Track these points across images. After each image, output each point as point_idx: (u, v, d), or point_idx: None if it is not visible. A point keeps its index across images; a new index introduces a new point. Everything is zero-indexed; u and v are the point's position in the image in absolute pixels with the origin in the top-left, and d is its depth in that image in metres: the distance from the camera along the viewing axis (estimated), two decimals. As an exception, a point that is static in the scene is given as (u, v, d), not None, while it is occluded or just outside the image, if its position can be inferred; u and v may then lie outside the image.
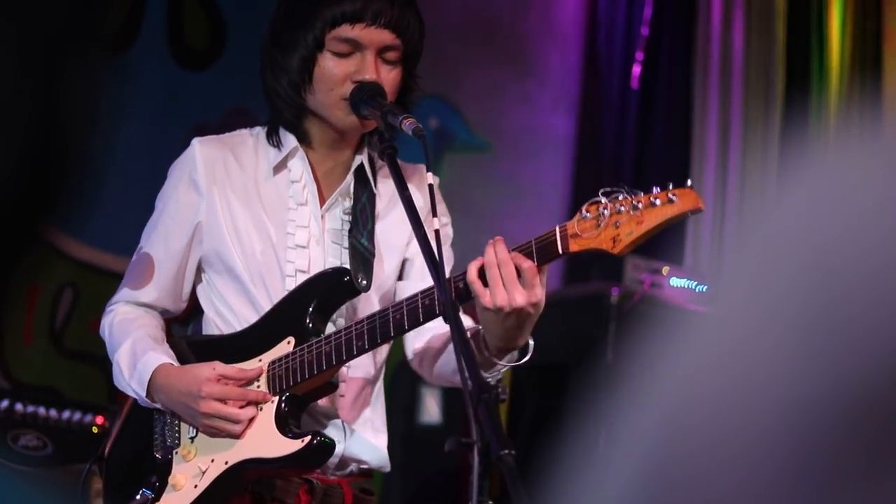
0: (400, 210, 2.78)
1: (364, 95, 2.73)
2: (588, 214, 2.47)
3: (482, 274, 2.50)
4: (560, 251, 2.48)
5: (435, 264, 2.40)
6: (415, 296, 2.63)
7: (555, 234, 2.49)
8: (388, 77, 2.78)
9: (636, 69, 6.74)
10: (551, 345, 5.54)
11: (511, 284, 2.46)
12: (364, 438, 2.89)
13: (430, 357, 2.87)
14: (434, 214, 2.43)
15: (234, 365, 2.81)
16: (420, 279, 2.89)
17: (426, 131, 2.64)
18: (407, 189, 2.56)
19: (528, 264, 2.47)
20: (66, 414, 4.97)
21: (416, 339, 2.88)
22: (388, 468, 2.95)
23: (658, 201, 2.41)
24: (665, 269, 5.62)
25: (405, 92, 2.86)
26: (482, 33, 6.53)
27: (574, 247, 2.47)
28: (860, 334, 0.72)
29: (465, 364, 2.18)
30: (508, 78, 6.61)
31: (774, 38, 6.71)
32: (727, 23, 6.71)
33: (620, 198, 2.45)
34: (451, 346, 2.70)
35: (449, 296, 2.38)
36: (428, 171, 2.51)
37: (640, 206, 2.42)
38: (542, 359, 5.94)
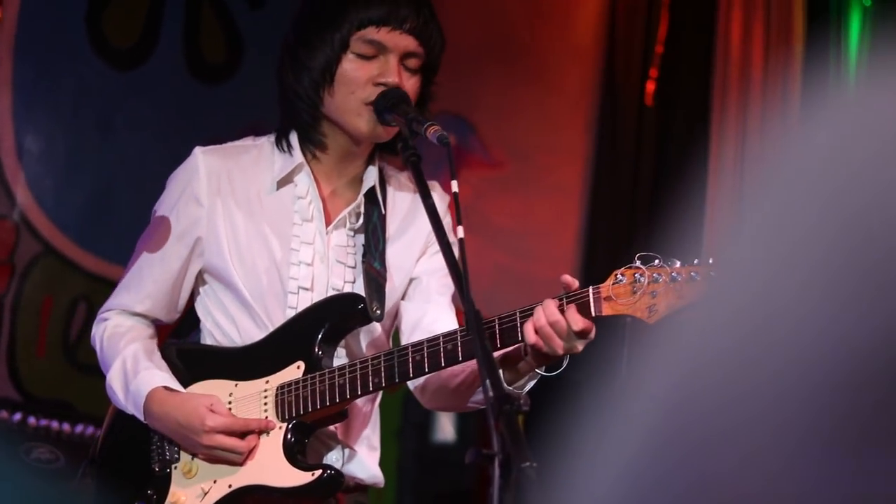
0: (411, 231, 2.84)
1: (389, 102, 2.71)
2: (623, 279, 2.48)
3: (537, 331, 2.52)
4: (593, 314, 2.50)
5: (458, 273, 2.36)
6: (436, 338, 2.61)
7: (588, 296, 2.51)
8: (408, 84, 2.77)
9: (650, 86, 6.72)
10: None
11: (565, 336, 2.52)
12: (360, 457, 2.89)
13: (442, 386, 2.84)
14: (459, 223, 2.38)
15: (240, 383, 2.79)
16: (423, 300, 2.88)
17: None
18: (430, 196, 2.53)
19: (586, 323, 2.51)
20: (78, 427, 4.97)
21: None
22: (381, 484, 2.94)
23: (698, 276, 2.43)
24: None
25: (421, 103, 2.84)
26: (499, 50, 6.51)
27: (607, 311, 2.50)
28: (891, 277, 0.66)
29: (486, 375, 2.15)
30: (525, 95, 6.59)
31: (793, 53, 6.68)
32: (747, 39, 6.68)
33: (657, 264, 2.47)
34: (462, 374, 2.75)
35: (472, 305, 2.29)
36: (452, 179, 2.43)
37: (679, 278, 2.45)
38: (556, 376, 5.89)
